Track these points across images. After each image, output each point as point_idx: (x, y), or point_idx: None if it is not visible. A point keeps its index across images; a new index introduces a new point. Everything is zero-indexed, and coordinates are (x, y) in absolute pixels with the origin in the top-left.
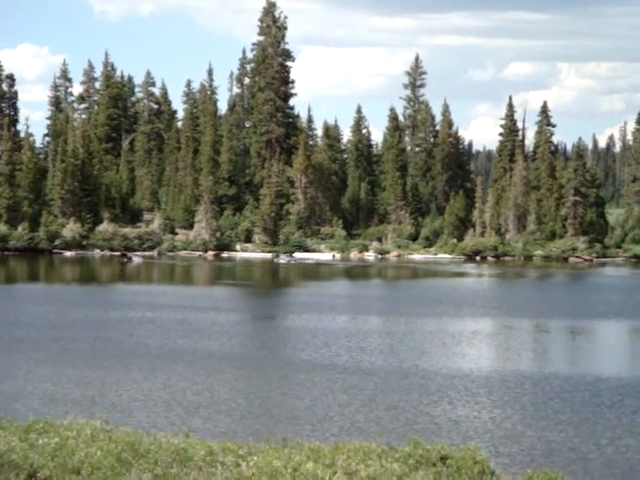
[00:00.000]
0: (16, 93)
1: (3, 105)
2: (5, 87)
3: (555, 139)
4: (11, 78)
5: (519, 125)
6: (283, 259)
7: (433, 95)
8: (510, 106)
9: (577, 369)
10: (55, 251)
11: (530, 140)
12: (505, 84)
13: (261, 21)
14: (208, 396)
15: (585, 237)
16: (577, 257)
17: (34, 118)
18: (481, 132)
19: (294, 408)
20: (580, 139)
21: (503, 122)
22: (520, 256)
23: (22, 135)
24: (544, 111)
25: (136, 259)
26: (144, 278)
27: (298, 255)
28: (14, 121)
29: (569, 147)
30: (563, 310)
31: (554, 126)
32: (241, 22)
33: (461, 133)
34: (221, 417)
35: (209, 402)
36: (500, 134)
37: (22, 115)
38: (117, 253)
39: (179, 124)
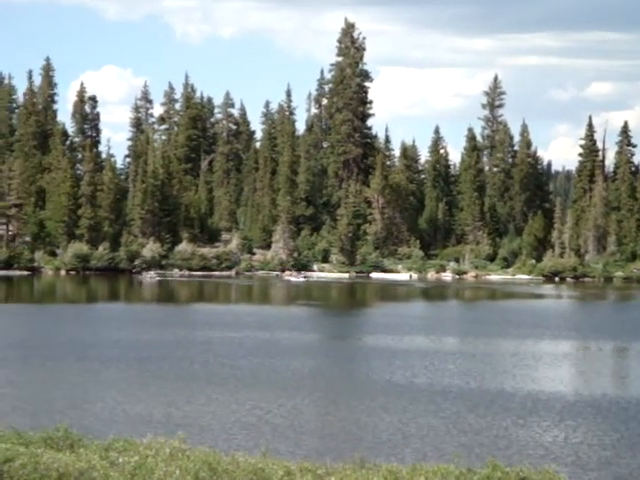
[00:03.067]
0: (98, 115)
1: (85, 127)
2: (88, 109)
3: (636, 159)
4: (93, 100)
5: (599, 145)
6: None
7: (512, 116)
8: (590, 126)
9: None
10: (134, 271)
11: (610, 160)
12: (586, 104)
13: (340, 42)
14: (287, 416)
15: None
16: None
17: (116, 139)
18: (561, 152)
19: (372, 428)
20: None
21: (583, 142)
22: (600, 277)
23: (104, 156)
24: (625, 131)
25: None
26: (222, 298)
27: (374, 275)
28: (96, 142)
29: None
30: None
31: (635, 146)
32: (320, 43)
33: (540, 153)
34: (299, 436)
35: (288, 422)
36: (580, 154)
37: (104, 136)
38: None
39: (257, 145)
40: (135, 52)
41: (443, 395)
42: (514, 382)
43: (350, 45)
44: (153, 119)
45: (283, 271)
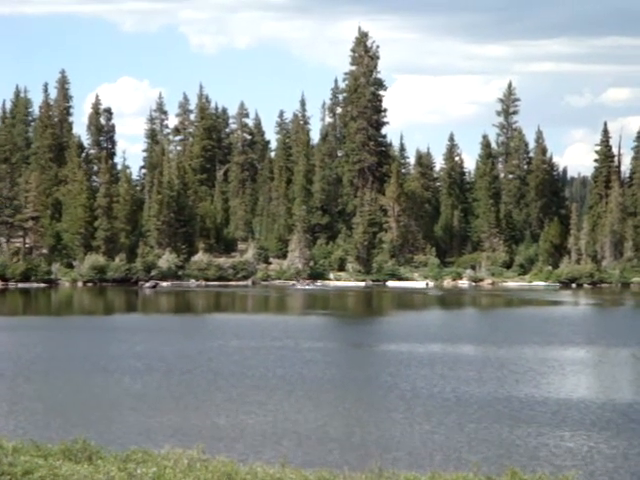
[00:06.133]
0: (113, 126)
1: (101, 139)
2: (103, 121)
3: None
4: (109, 112)
5: (614, 151)
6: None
7: (528, 122)
8: (605, 132)
9: None
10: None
11: (626, 166)
12: (602, 110)
13: (353, 51)
14: (305, 425)
15: None
16: None
17: (132, 151)
18: (577, 158)
19: (391, 437)
20: None
21: (598, 148)
22: (617, 283)
23: (119, 168)
24: None
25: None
26: (239, 308)
27: (390, 283)
28: (112, 154)
29: None
30: None
31: None
32: (335, 52)
33: (557, 160)
34: (319, 446)
35: (308, 431)
36: (595, 160)
37: (120, 148)
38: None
39: (272, 154)
40: (151, 64)
41: (461, 403)
42: (532, 389)
43: (364, 54)
44: (168, 130)
45: (297, 280)
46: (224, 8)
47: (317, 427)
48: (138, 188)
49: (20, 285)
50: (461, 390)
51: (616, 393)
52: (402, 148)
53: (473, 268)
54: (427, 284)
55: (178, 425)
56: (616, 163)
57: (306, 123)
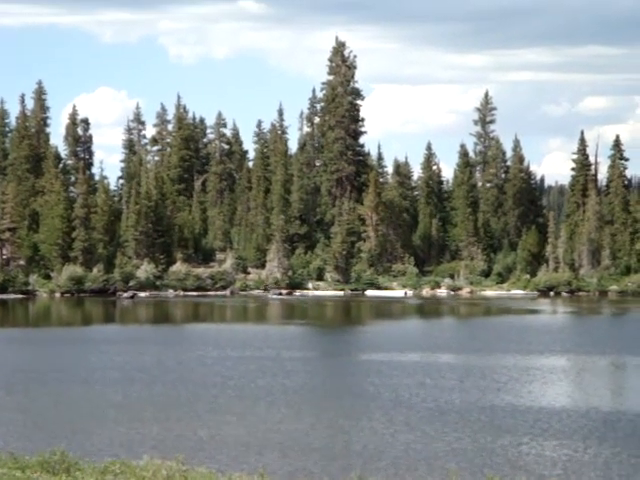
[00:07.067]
0: (91, 137)
1: (78, 149)
2: (80, 131)
3: (628, 173)
4: (86, 122)
5: (591, 159)
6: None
7: (507, 131)
8: (582, 140)
9: None
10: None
11: (603, 174)
12: (580, 119)
13: (331, 61)
14: (287, 435)
15: None
16: None
17: (110, 161)
18: (554, 167)
19: (373, 447)
20: None
21: (575, 157)
22: (595, 291)
23: (97, 178)
24: (617, 145)
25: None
26: (217, 318)
27: (369, 292)
28: (89, 164)
29: None
30: None
31: (627, 160)
32: (314, 62)
33: (534, 168)
34: (299, 456)
35: (288, 441)
36: (572, 169)
37: (98, 158)
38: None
39: (250, 164)
40: (130, 74)
41: (444, 412)
42: (516, 399)
43: (341, 63)
44: (146, 140)
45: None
46: (203, 19)
47: (299, 437)
48: (116, 198)
49: None
50: (442, 399)
51: (597, 401)
52: (380, 157)
53: (451, 277)
54: (406, 293)
55: (159, 436)
56: (593, 172)
57: (284, 133)
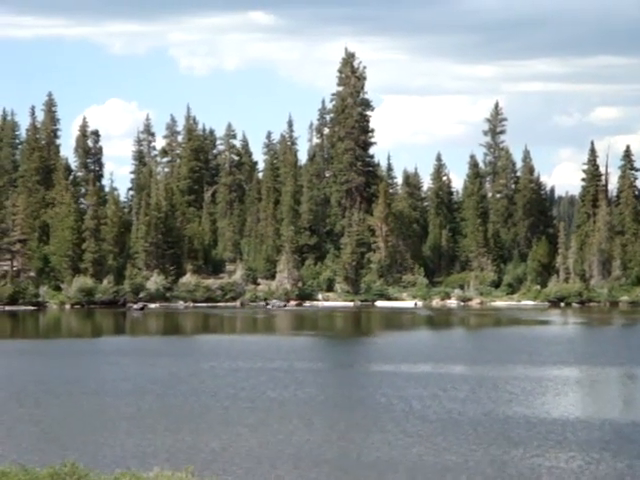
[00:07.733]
0: (101, 149)
1: (88, 161)
2: (90, 143)
3: (639, 183)
4: (96, 134)
5: (602, 170)
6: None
7: (517, 141)
8: (592, 151)
9: None
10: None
11: (613, 185)
12: (590, 129)
13: (340, 72)
14: (299, 446)
15: None
16: None
17: (121, 173)
18: (564, 177)
19: (386, 459)
20: None
21: (585, 167)
22: (606, 302)
23: (107, 190)
24: (627, 155)
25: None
26: (227, 329)
27: (379, 303)
28: (99, 176)
29: None
30: None
31: (637, 170)
32: (324, 73)
33: (545, 179)
34: (312, 468)
35: (300, 452)
36: (583, 179)
37: (108, 170)
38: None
39: (260, 175)
40: (140, 85)
41: (457, 424)
42: (529, 410)
43: (351, 74)
44: (156, 152)
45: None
46: (214, 30)
47: (311, 449)
48: (126, 210)
49: (8, 308)
50: (455, 411)
51: (611, 413)
52: (390, 168)
53: (461, 287)
54: (416, 304)
55: (171, 448)
56: (603, 182)
57: (294, 144)
